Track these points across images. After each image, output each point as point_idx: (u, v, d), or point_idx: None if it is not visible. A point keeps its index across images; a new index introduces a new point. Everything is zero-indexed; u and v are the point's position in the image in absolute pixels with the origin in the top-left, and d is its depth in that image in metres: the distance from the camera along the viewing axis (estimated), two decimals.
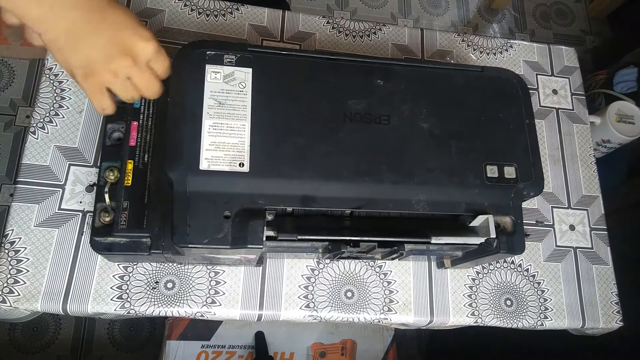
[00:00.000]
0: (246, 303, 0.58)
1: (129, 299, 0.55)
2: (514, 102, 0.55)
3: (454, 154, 0.51)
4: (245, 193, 0.47)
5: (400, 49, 0.75)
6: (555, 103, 0.77)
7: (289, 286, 0.60)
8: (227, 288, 0.58)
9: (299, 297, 0.60)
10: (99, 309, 0.54)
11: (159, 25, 0.67)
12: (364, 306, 0.61)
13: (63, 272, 0.55)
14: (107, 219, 0.51)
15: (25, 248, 0.55)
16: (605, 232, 0.71)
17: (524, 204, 0.56)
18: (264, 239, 0.46)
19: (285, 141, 0.48)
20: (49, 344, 1.21)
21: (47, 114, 0.60)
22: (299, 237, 0.48)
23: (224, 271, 0.59)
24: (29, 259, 0.54)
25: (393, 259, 0.59)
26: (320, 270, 0.61)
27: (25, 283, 0.54)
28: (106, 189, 0.52)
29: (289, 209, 0.50)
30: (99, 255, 0.55)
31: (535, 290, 0.66)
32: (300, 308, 0.59)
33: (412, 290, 0.63)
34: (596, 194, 0.73)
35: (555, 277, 0.67)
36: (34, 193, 0.57)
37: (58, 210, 0.57)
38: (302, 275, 0.61)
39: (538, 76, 0.78)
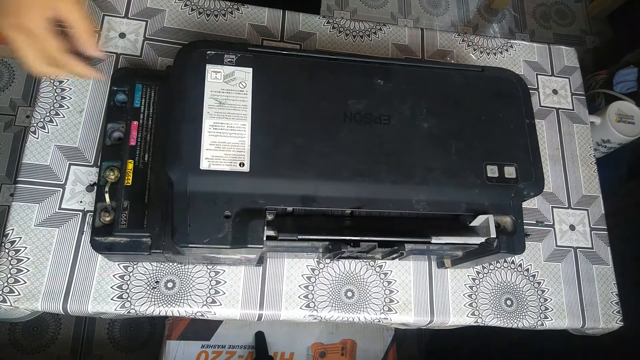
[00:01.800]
0: (246, 303, 0.58)
1: (129, 299, 0.55)
2: (514, 102, 0.55)
3: (454, 154, 0.51)
4: (245, 193, 0.47)
5: (401, 49, 0.75)
6: (555, 103, 0.77)
7: (289, 286, 0.60)
8: (228, 288, 0.58)
9: (299, 297, 0.60)
10: (99, 309, 0.54)
11: (159, 25, 0.67)
12: (364, 306, 0.61)
13: (63, 271, 0.55)
14: (108, 219, 0.51)
15: (26, 247, 0.55)
16: (605, 232, 0.71)
17: (524, 204, 0.56)
18: (264, 238, 0.46)
19: (285, 141, 0.48)
20: (49, 344, 1.21)
21: (48, 114, 0.60)
22: (299, 237, 0.48)
23: (224, 271, 0.59)
24: (29, 259, 0.54)
25: (393, 258, 0.59)
26: (321, 270, 0.61)
27: (25, 282, 0.54)
28: (106, 189, 0.52)
29: (290, 208, 0.50)
30: (99, 255, 0.55)
31: (536, 290, 0.66)
32: (300, 308, 0.59)
33: (412, 290, 0.63)
34: (596, 194, 0.73)
35: (556, 277, 0.67)
36: (35, 193, 0.57)
37: (58, 209, 0.57)
38: (302, 275, 0.61)
39: (538, 76, 0.78)
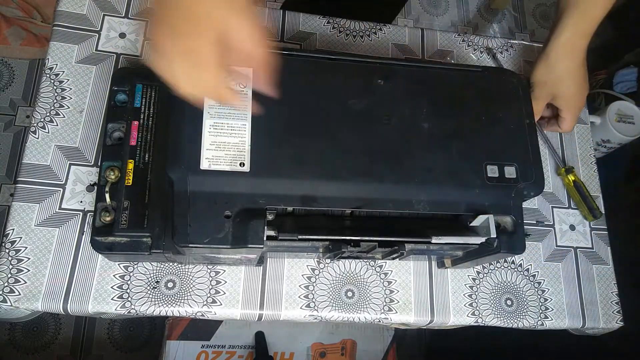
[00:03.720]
0: (246, 303, 0.58)
1: (129, 299, 0.55)
2: (514, 102, 0.55)
3: (454, 154, 0.51)
4: (245, 193, 0.47)
5: (401, 49, 0.75)
6: None
7: (290, 286, 0.60)
8: (228, 288, 0.58)
9: (299, 297, 0.60)
10: (99, 309, 0.54)
11: None
12: (365, 306, 0.61)
13: (64, 271, 0.55)
14: (108, 219, 0.51)
15: (26, 247, 0.55)
16: (606, 232, 0.71)
17: (524, 204, 0.56)
18: (265, 238, 0.46)
19: (285, 141, 0.48)
20: (49, 344, 1.21)
21: (48, 114, 0.60)
22: (300, 237, 0.48)
23: (225, 271, 0.59)
24: (29, 259, 0.54)
25: (393, 258, 0.59)
26: (321, 270, 0.61)
27: (25, 282, 0.54)
28: (107, 189, 0.52)
29: (290, 208, 0.50)
30: (100, 255, 0.55)
31: (536, 290, 0.66)
32: (300, 308, 0.59)
33: (412, 290, 0.63)
34: (596, 194, 0.73)
35: (556, 277, 0.67)
36: (35, 193, 0.57)
37: (58, 209, 0.57)
38: (302, 275, 0.61)
39: None
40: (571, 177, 0.70)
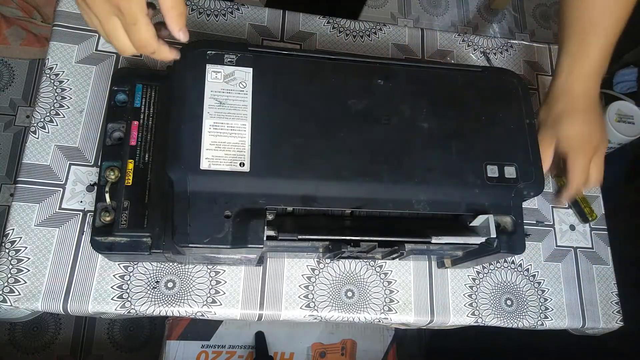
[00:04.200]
0: (246, 303, 0.58)
1: (129, 299, 0.55)
2: (514, 102, 0.55)
3: (454, 154, 0.51)
4: (245, 193, 0.47)
5: (401, 49, 0.75)
6: None
7: (290, 286, 0.60)
8: (228, 288, 0.58)
9: (299, 297, 0.60)
10: (99, 309, 0.54)
11: None
12: (365, 306, 0.61)
13: (63, 271, 0.55)
14: (108, 219, 0.51)
15: (26, 247, 0.55)
16: (606, 232, 0.71)
17: (524, 204, 0.56)
18: (265, 238, 0.46)
19: (285, 141, 0.48)
20: (49, 344, 1.21)
21: (48, 114, 0.60)
22: (300, 237, 0.48)
23: (225, 271, 0.59)
24: (29, 259, 0.54)
25: (393, 258, 0.59)
26: (321, 270, 0.61)
27: (25, 282, 0.54)
28: (107, 189, 0.52)
29: (290, 208, 0.50)
30: (100, 255, 0.55)
31: (536, 290, 0.66)
32: (300, 308, 0.59)
33: (412, 290, 0.63)
34: (596, 194, 0.73)
35: (556, 277, 0.67)
36: (35, 193, 0.57)
37: (58, 209, 0.57)
38: (302, 275, 0.61)
39: (538, 76, 0.78)
40: (563, 181, 0.70)
